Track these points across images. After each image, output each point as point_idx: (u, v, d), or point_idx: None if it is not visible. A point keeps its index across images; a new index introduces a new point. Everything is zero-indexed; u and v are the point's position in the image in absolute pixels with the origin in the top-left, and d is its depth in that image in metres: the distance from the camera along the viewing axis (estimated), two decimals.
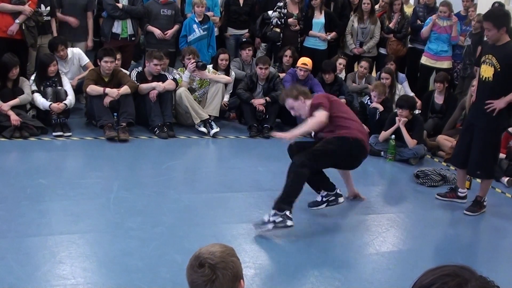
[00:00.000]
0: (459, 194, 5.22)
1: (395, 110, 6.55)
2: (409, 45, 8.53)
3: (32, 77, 6.35)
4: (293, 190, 4.15)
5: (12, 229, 3.88)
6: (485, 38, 7.01)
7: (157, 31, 7.51)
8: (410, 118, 6.34)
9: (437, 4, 8.18)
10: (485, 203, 5.06)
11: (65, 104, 6.19)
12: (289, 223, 4.08)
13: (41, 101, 6.14)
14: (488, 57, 4.71)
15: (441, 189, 5.45)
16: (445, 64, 7.88)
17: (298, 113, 4.65)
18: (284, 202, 4.13)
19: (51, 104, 6.11)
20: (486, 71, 4.72)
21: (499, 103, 4.70)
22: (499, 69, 4.63)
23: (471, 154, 4.89)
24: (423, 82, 8.20)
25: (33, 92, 6.21)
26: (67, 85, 6.44)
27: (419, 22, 8.17)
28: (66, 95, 6.31)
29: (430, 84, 8.21)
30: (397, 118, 6.32)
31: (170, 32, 7.59)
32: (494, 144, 4.95)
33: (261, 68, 7.04)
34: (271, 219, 4.10)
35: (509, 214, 5.16)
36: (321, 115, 4.36)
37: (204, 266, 1.77)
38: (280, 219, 4.08)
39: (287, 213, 4.10)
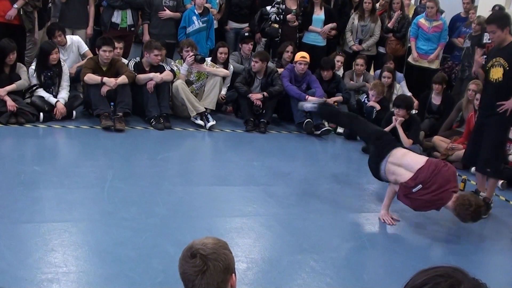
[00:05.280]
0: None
1: (392, 109, 6.56)
2: (409, 45, 8.52)
3: (33, 66, 6.30)
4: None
5: (5, 215, 3.87)
6: (484, 39, 7.06)
7: (147, 37, 7.52)
8: (407, 117, 6.34)
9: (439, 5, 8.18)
10: (492, 205, 5.10)
11: (64, 106, 6.23)
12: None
13: (47, 95, 6.20)
14: (496, 60, 4.83)
15: None
16: (435, 64, 7.96)
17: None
18: None
19: (57, 101, 6.17)
20: (496, 73, 4.83)
21: (511, 104, 4.81)
22: (507, 68, 4.74)
23: (481, 152, 5.01)
24: (416, 81, 8.18)
25: (36, 87, 6.22)
26: (65, 77, 6.41)
27: None
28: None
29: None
30: (393, 118, 6.32)
31: (166, 13, 7.56)
32: (503, 141, 5.11)
33: (252, 61, 7.03)
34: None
35: (503, 217, 5.17)
36: None
37: (195, 257, 1.77)
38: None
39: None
